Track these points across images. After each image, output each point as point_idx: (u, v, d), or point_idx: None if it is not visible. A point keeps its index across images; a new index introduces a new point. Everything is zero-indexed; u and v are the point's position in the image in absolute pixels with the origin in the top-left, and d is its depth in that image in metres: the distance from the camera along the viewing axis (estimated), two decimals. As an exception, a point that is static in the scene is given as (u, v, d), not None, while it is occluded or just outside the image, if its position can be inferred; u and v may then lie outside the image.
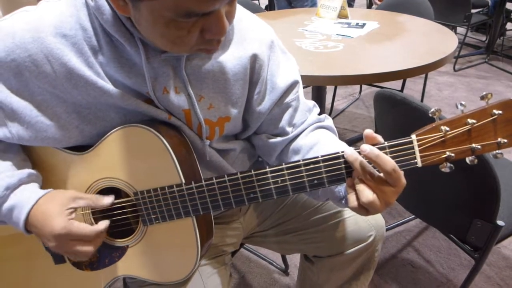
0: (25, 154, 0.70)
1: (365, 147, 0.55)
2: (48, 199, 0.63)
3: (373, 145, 0.56)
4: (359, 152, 0.57)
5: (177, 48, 0.57)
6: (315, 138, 0.75)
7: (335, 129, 0.81)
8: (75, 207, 0.63)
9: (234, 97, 0.70)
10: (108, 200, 0.66)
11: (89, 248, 0.64)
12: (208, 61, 0.67)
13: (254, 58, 0.70)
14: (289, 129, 0.76)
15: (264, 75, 0.72)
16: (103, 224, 0.65)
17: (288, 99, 0.74)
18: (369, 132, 0.57)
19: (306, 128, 0.78)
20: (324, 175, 0.60)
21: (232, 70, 0.68)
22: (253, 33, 0.70)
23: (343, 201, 0.67)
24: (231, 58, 0.68)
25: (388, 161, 0.54)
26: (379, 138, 0.57)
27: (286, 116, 0.75)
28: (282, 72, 0.73)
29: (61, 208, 0.62)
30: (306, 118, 0.78)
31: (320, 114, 0.81)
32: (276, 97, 0.73)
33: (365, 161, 0.56)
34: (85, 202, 0.65)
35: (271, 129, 0.78)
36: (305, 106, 0.78)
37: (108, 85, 0.61)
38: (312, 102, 0.81)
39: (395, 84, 2.51)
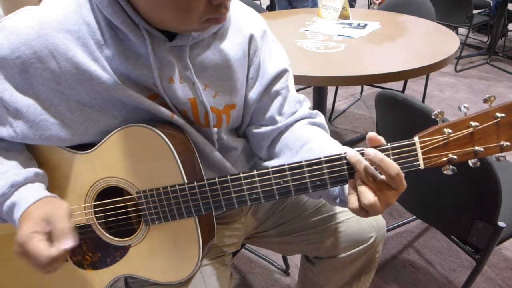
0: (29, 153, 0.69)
1: (369, 151, 0.55)
2: (44, 203, 0.62)
3: (376, 147, 0.57)
4: (362, 154, 0.57)
5: (187, 18, 0.56)
6: (308, 135, 0.75)
7: (326, 126, 0.81)
8: (48, 222, 0.59)
9: (238, 84, 0.72)
10: (69, 243, 0.58)
11: (40, 270, 0.58)
12: (210, 50, 0.68)
13: (250, 42, 0.72)
14: (278, 118, 0.77)
15: (257, 61, 0.74)
16: (57, 250, 0.57)
17: (277, 87, 0.75)
18: (372, 134, 0.57)
19: (297, 121, 0.78)
20: (326, 176, 0.60)
21: (234, 57, 0.70)
22: (247, 22, 0.73)
23: (337, 200, 0.67)
24: (232, 45, 0.70)
25: (392, 166, 0.54)
26: (382, 140, 0.57)
27: (275, 104, 0.76)
28: (273, 59, 0.75)
29: (37, 218, 0.59)
30: (296, 110, 0.78)
31: (315, 110, 0.82)
32: (266, 83, 0.74)
33: (367, 163, 0.56)
34: (57, 223, 0.58)
35: (261, 119, 0.78)
36: (295, 97, 0.79)
37: (113, 79, 0.62)
38: (302, 96, 0.82)
39: (397, 85, 2.50)
